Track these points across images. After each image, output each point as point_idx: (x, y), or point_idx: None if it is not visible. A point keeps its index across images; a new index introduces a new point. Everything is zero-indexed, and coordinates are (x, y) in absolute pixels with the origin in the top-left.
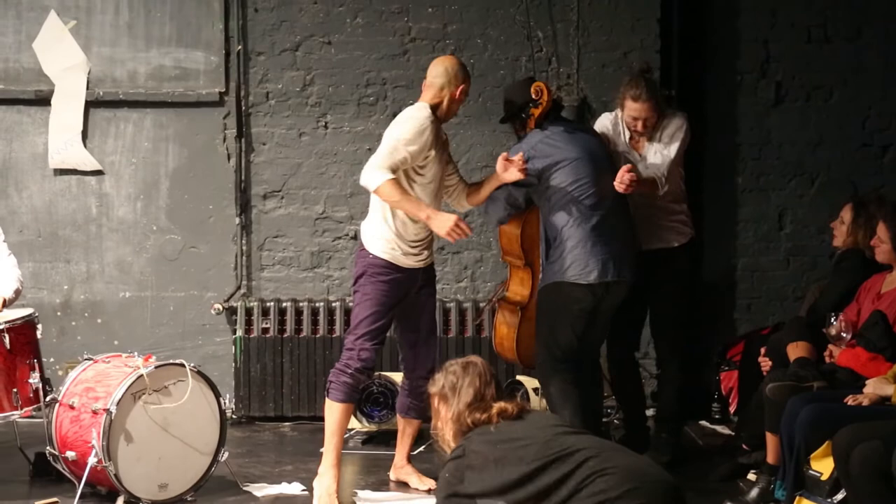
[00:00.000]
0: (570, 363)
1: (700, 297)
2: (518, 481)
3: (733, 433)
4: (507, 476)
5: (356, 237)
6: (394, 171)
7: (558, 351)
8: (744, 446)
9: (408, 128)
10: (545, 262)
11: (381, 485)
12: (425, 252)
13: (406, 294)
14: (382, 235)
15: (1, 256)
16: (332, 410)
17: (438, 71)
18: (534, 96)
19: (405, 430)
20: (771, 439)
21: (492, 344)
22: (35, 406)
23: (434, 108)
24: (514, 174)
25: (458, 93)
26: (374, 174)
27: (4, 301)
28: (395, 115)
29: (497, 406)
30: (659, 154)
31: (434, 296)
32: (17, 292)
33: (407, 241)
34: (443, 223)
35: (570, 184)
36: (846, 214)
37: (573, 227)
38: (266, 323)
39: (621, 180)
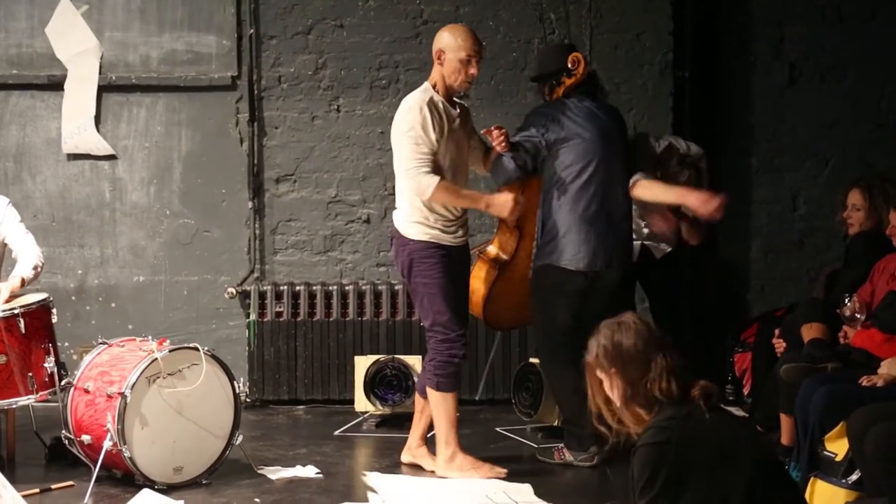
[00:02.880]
0: (569, 345)
1: (714, 278)
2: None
3: (747, 415)
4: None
5: (369, 220)
6: (433, 169)
7: (557, 334)
8: (758, 428)
9: (410, 119)
10: (539, 239)
11: (394, 467)
12: (460, 231)
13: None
14: (417, 219)
15: (18, 235)
16: (447, 401)
17: (435, 41)
18: (569, 66)
19: (424, 410)
20: (785, 421)
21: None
22: (50, 390)
23: (435, 86)
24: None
25: (442, 58)
26: (421, 182)
27: (23, 280)
28: None
29: (700, 386)
30: None
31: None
32: (36, 269)
33: (442, 220)
34: (503, 206)
35: (574, 163)
36: (857, 200)
37: (569, 211)
38: (279, 306)
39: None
